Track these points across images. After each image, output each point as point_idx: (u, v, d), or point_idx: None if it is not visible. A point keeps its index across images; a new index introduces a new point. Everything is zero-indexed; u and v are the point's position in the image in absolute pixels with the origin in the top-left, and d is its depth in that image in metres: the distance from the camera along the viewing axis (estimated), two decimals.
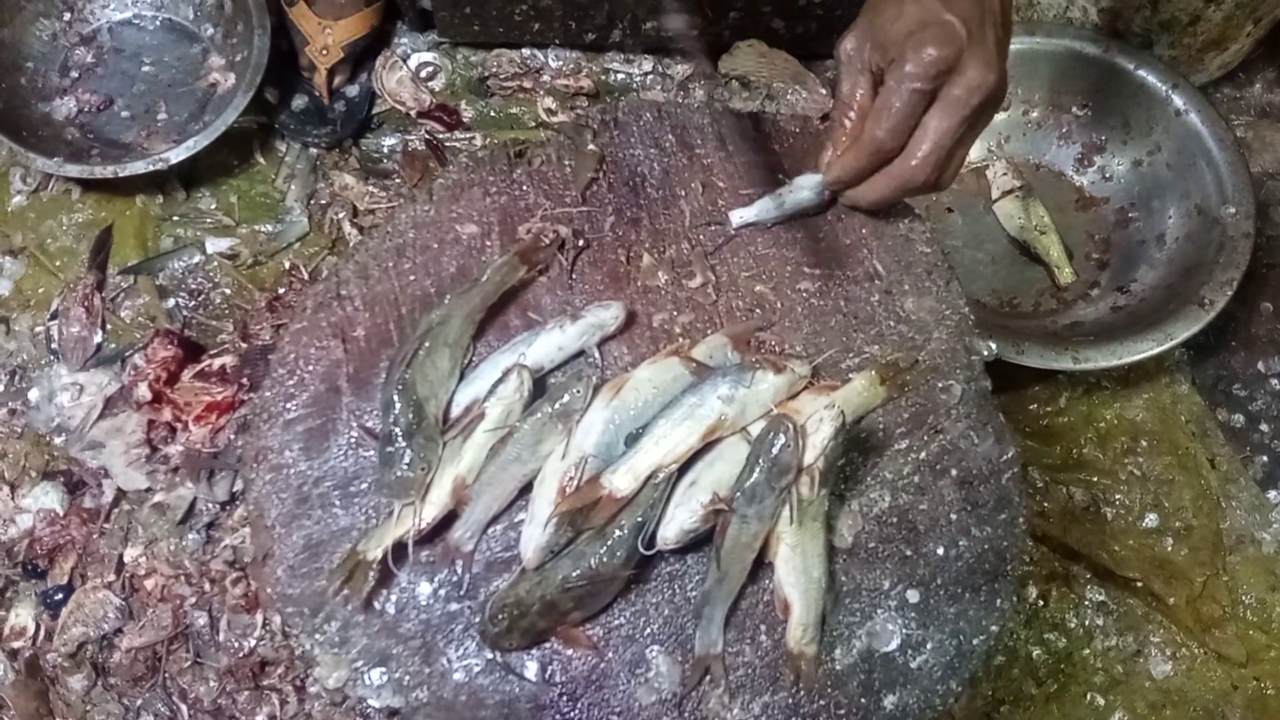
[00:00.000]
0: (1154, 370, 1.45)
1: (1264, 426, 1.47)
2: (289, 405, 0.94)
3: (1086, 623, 1.35)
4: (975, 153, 1.56)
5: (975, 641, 0.90)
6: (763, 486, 0.82)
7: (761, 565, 0.88)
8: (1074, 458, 1.42)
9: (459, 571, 0.88)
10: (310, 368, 0.95)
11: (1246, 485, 1.42)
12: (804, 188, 1.01)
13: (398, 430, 0.87)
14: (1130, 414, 1.44)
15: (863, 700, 0.87)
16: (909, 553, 0.91)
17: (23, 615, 1.24)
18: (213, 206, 1.47)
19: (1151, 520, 1.39)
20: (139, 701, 1.22)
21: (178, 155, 1.37)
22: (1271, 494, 1.43)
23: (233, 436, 1.30)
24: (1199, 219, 1.42)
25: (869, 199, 0.98)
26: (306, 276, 1.41)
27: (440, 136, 1.52)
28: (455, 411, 0.91)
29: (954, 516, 0.93)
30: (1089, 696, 1.33)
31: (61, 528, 1.27)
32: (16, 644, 1.23)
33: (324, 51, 1.47)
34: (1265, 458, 1.45)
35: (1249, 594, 1.37)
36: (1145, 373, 1.45)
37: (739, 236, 1.02)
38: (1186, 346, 1.42)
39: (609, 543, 0.84)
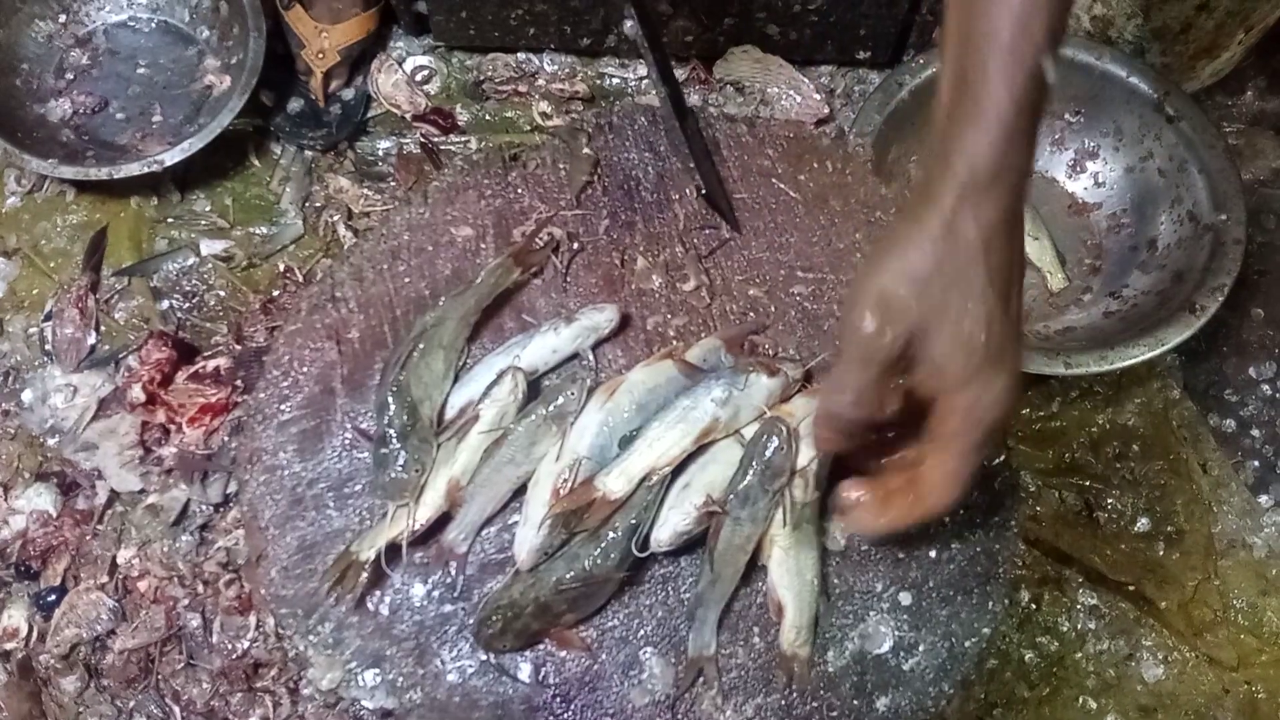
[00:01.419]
0: (1146, 375, 1.46)
1: (1255, 432, 1.48)
2: (283, 407, 0.94)
3: (1078, 626, 1.36)
4: None
5: (967, 644, 0.91)
6: (756, 489, 0.82)
7: (755, 567, 0.88)
8: (1066, 462, 1.42)
9: (453, 573, 0.88)
10: (305, 369, 0.95)
11: (1238, 490, 1.43)
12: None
13: (392, 432, 0.87)
14: (1122, 419, 1.45)
15: (855, 702, 0.88)
16: (901, 555, 0.92)
17: (15, 616, 1.24)
18: (207, 209, 1.47)
19: (1143, 524, 1.39)
20: (131, 703, 1.22)
21: (173, 157, 1.37)
22: (1263, 499, 1.43)
23: (226, 438, 1.30)
24: (1190, 225, 1.43)
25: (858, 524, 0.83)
26: (301, 279, 1.41)
27: (435, 140, 1.53)
28: (450, 413, 0.91)
29: (946, 520, 0.93)
30: (1081, 700, 1.33)
31: (54, 529, 1.27)
32: (9, 645, 1.23)
33: (320, 55, 1.47)
34: (1256, 463, 1.46)
35: (1240, 598, 1.38)
36: (1137, 378, 1.46)
37: (733, 240, 1.02)
38: (1178, 352, 1.43)
39: (603, 545, 0.84)
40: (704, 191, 1.02)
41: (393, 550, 0.86)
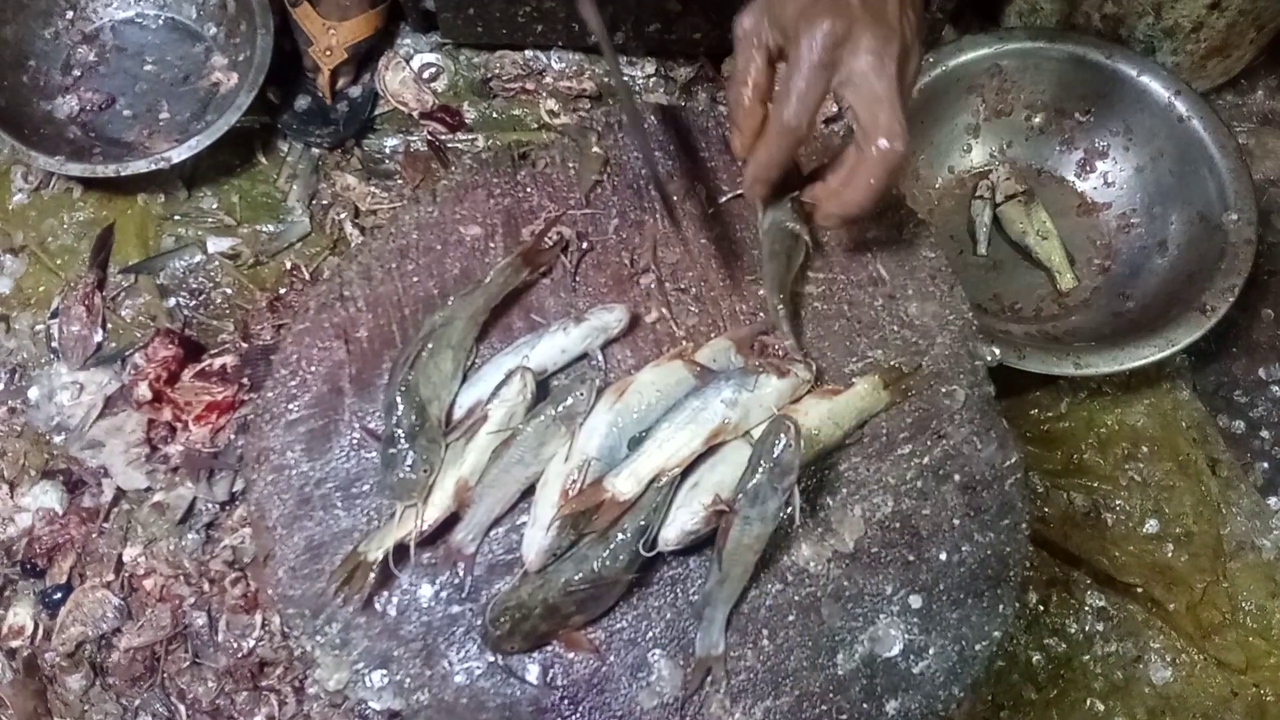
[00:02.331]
0: (1155, 376, 1.46)
1: (1265, 433, 1.47)
2: (291, 406, 0.94)
3: (1086, 628, 1.35)
4: (978, 157, 1.56)
5: (978, 647, 0.90)
6: (765, 488, 0.82)
7: (763, 568, 0.88)
8: (1075, 463, 1.42)
9: (461, 574, 0.88)
10: (313, 368, 0.95)
11: (1247, 492, 1.42)
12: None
13: (400, 432, 0.87)
14: (1131, 420, 1.44)
15: (865, 705, 0.87)
16: (912, 558, 0.91)
17: (21, 614, 1.24)
18: (214, 206, 1.47)
19: (1152, 526, 1.39)
20: (137, 701, 1.22)
21: (180, 154, 1.36)
22: (1272, 500, 1.43)
23: (233, 436, 1.30)
24: (1201, 225, 1.42)
25: (843, 207, 0.92)
26: (308, 277, 1.41)
27: (442, 138, 1.52)
28: (458, 413, 0.91)
29: (957, 522, 0.93)
30: (1089, 702, 1.32)
31: (60, 527, 1.27)
32: (15, 643, 1.23)
33: (328, 52, 1.46)
34: (1266, 464, 1.45)
35: (1249, 600, 1.37)
36: (1146, 378, 1.45)
37: (743, 239, 1.02)
38: (1188, 353, 1.42)
39: (611, 546, 0.84)
40: (659, 184, 1.02)
41: (401, 551, 0.86)
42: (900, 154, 0.86)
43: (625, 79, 1.06)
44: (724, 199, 1.03)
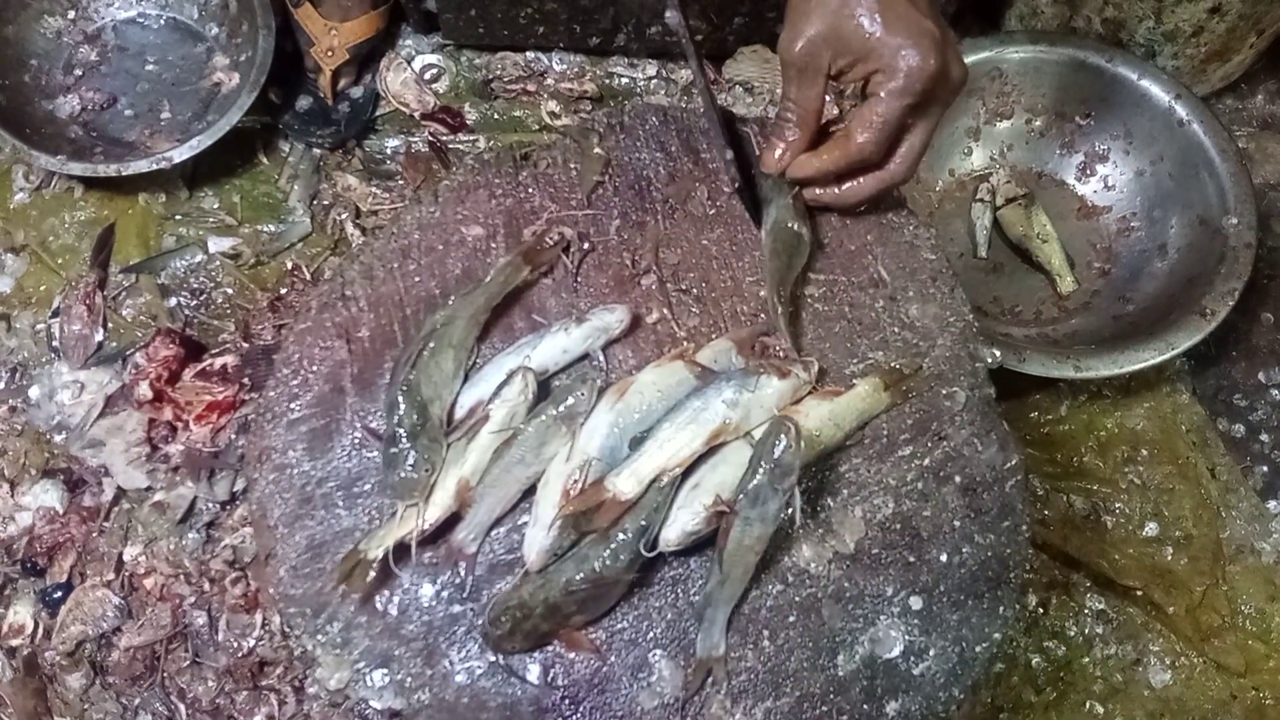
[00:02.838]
0: (1155, 379, 1.46)
1: (1264, 437, 1.47)
2: (293, 405, 0.94)
3: (1086, 631, 1.35)
4: (978, 160, 1.57)
5: (978, 649, 0.90)
6: (765, 488, 0.82)
7: (764, 568, 0.88)
8: (1074, 466, 1.42)
9: (462, 573, 0.88)
10: (314, 368, 0.95)
11: (1246, 495, 1.43)
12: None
13: (402, 431, 0.87)
14: (1131, 423, 1.44)
15: (865, 706, 0.87)
16: (912, 559, 0.91)
17: (21, 613, 1.24)
18: (215, 206, 1.47)
19: (1151, 529, 1.39)
20: (137, 701, 1.22)
21: (181, 154, 1.37)
22: (1271, 504, 1.43)
23: (233, 436, 1.30)
24: (1201, 229, 1.42)
25: (851, 200, 0.99)
26: (309, 277, 1.41)
27: (443, 138, 1.52)
28: (459, 413, 0.91)
29: (957, 523, 0.93)
30: (1088, 705, 1.33)
31: (61, 526, 1.27)
32: (15, 642, 1.23)
33: (329, 53, 1.47)
34: (1265, 468, 1.45)
35: (1248, 604, 1.37)
36: (1146, 382, 1.46)
37: (745, 240, 1.02)
38: (1187, 356, 1.42)
39: (612, 546, 0.84)
40: (738, 186, 1.02)
41: (402, 550, 0.86)
42: (904, 182, 0.96)
43: (705, 85, 1.07)
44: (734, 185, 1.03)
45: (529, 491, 0.88)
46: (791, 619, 0.89)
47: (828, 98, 0.95)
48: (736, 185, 1.02)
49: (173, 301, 1.40)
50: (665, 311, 0.98)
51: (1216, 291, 1.35)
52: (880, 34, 0.87)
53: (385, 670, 0.86)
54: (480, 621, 0.86)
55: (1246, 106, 1.67)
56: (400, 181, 1.50)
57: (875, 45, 0.87)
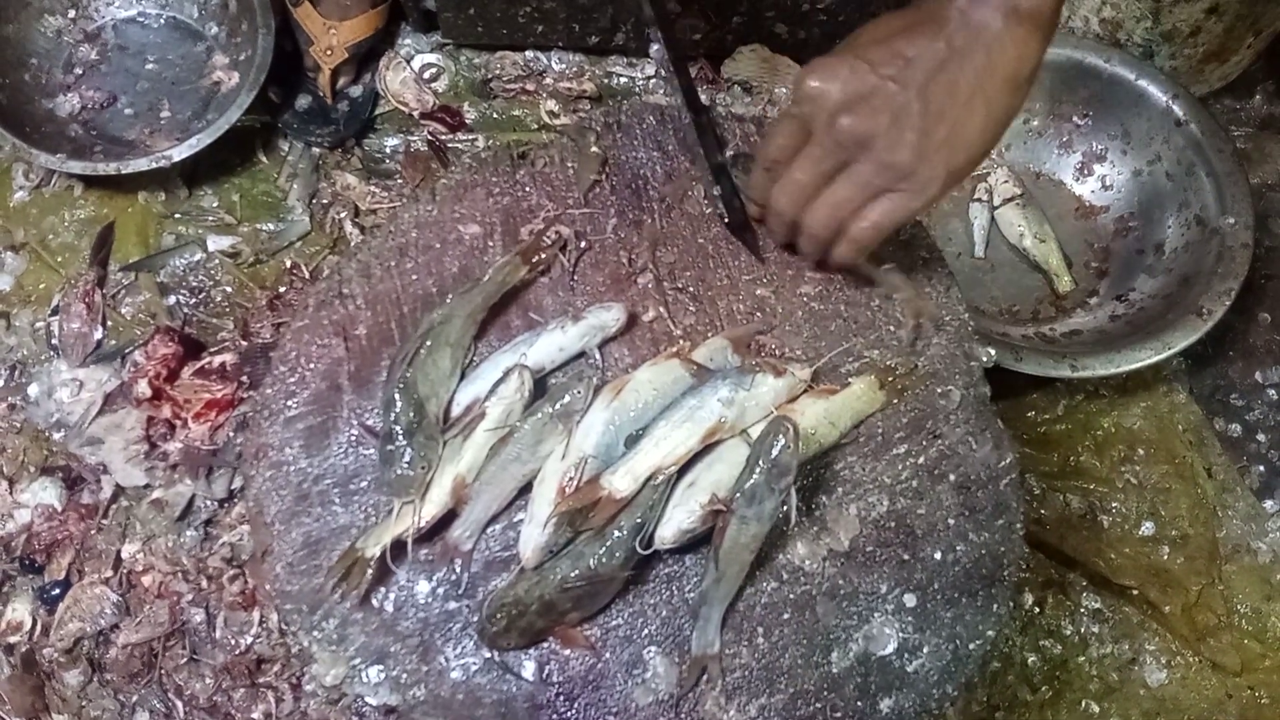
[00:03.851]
0: (1152, 379, 1.46)
1: (1261, 436, 1.47)
2: (290, 403, 0.94)
3: (1082, 630, 1.35)
4: None
5: (972, 646, 0.91)
6: (762, 488, 0.82)
7: (759, 567, 0.88)
8: (1071, 465, 1.42)
9: (458, 570, 0.89)
10: (312, 365, 0.95)
11: (1243, 495, 1.43)
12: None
13: (398, 429, 0.87)
14: (1128, 422, 1.44)
15: (859, 703, 0.88)
16: (906, 557, 0.92)
17: (19, 610, 1.24)
18: (214, 204, 1.47)
19: (1148, 528, 1.39)
20: (134, 698, 1.22)
21: (180, 153, 1.37)
22: (1268, 504, 1.43)
23: (232, 434, 1.30)
24: (1198, 229, 1.43)
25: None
26: (307, 275, 1.41)
27: (442, 138, 1.53)
28: (456, 411, 0.91)
29: (951, 521, 0.93)
30: (1084, 704, 1.33)
31: (59, 523, 1.27)
32: (13, 639, 1.23)
33: (328, 52, 1.47)
34: (1262, 467, 1.46)
35: (1244, 603, 1.37)
36: (1143, 381, 1.46)
37: (741, 240, 1.02)
38: (1184, 356, 1.42)
39: (608, 543, 0.84)
40: (727, 221, 1.01)
41: (398, 547, 0.86)
42: (830, 258, 0.93)
43: (693, 121, 1.06)
44: None
45: (525, 489, 0.89)
46: (786, 616, 0.89)
47: None
48: (725, 221, 1.01)
49: (172, 300, 1.40)
50: (661, 310, 0.98)
51: (1213, 291, 1.35)
52: (851, 79, 0.82)
53: (381, 667, 0.87)
54: (476, 618, 0.87)
55: (1244, 107, 1.67)
56: (399, 180, 1.50)
57: (832, 95, 0.82)
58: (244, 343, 1.35)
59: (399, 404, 0.88)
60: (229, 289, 1.42)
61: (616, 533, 0.84)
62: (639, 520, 0.84)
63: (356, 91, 1.53)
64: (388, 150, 1.53)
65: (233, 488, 1.29)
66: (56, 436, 1.32)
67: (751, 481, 0.82)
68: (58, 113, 1.46)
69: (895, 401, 0.96)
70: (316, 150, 1.51)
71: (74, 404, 1.33)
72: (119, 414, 1.32)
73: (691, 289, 1.00)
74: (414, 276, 0.99)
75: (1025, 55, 0.80)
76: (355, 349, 0.96)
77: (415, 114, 1.54)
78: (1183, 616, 1.35)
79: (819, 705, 0.87)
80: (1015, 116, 0.83)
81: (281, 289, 1.41)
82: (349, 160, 1.52)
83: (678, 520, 0.85)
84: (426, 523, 0.87)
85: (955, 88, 0.79)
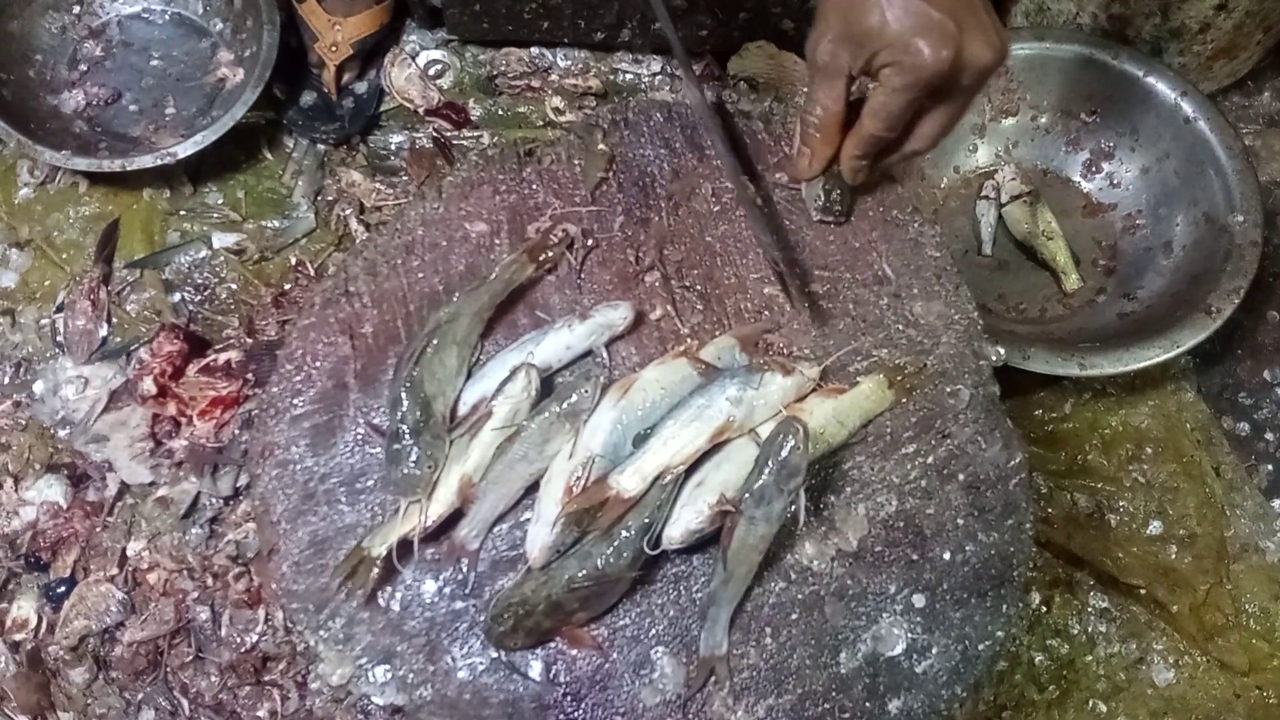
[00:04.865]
0: (1160, 377, 1.45)
1: (1269, 435, 1.47)
2: (296, 401, 0.94)
3: (1089, 629, 1.35)
4: (983, 157, 1.56)
5: (981, 647, 0.90)
6: (771, 488, 0.81)
7: (768, 567, 0.88)
8: (1078, 464, 1.41)
9: (464, 570, 0.88)
10: (318, 364, 0.95)
11: (1251, 494, 1.42)
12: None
13: (405, 428, 0.87)
14: (1135, 421, 1.44)
15: (868, 704, 0.87)
16: (915, 557, 0.91)
17: (25, 607, 1.24)
18: (219, 201, 1.47)
19: (1155, 528, 1.38)
20: (140, 695, 1.22)
21: (185, 150, 1.36)
22: (1276, 503, 1.43)
23: (237, 431, 1.30)
24: (1207, 227, 1.42)
25: (872, 174, 1.00)
26: (313, 272, 1.41)
27: (448, 134, 1.52)
28: (462, 410, 0.91)
29: (961, 521, 0.93)
30: (1091, 703, 1.32)
31: (64, 520, 1.27)
32: (18, 636, 1.23)
33: (333, 48, 1.46)
34: (1270, 466, 1.45)
35: (1252, 603, 1.37)
36: (1151, 380, 1.45)
37: (749, 237, 1.02)
38: (1192, 354, 1.42)
39: (615, 543, 0.84)
40: (780, 269, 1.00)
41: (404, 546, 0.86)
42: (921, 155, 0.97)
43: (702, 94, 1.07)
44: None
45: (532, 488, 0.88)
46: (794, 616, 0.89)
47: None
48: (778, 269, 1.00)
49: (177, 297, 1.40)
50: (669, 308, 0.98)
51: (1222, 289, 1.34)
52: (889, 28, 0.86)
53: (388, 666, 0.86)
54: (483, 618, 0.87)
55: (1253, 104, 1.66)
56: (405, 177, 1.50)
57: (886, 40, 0.86)
58: (249, 340, 1.35)
59: (405, 403, 0.87)
60: (234, 286, 1.42)
61: (624, 532, 0.84)
62: (647, 520, 0.84)
63: (361, 88, 1.53)
64: (393, 147, 1.53)
65: (238, 485, 1.29)
66: (62, 434, 1.32)
67: (760, 482, 0.82)
68: (63, 109, 1.45)
69: (904, 400, 0.95)
70: (321, 147, 1.51)
71: (79, 401, 1.33)
72: (124, 411, 1.32)
73: (699, 287, 0.99)
74: (420, 274, 0.99)
75: None
76: (362, 347, 0.96)
77: (420, 110, 1.53)
78: (1190, 616, 1.34)
79: (827, 706, 0.87)
80: None
81: (286, 286, 1.41)
82: (354, 157, 1.51)
83: (686, 520, 0.84)
84: (433, 522, 0.86)
85: None
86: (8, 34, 1.44)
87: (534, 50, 1.55)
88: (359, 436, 0.93)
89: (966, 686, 0.89)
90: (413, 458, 0.86)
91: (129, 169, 1.36)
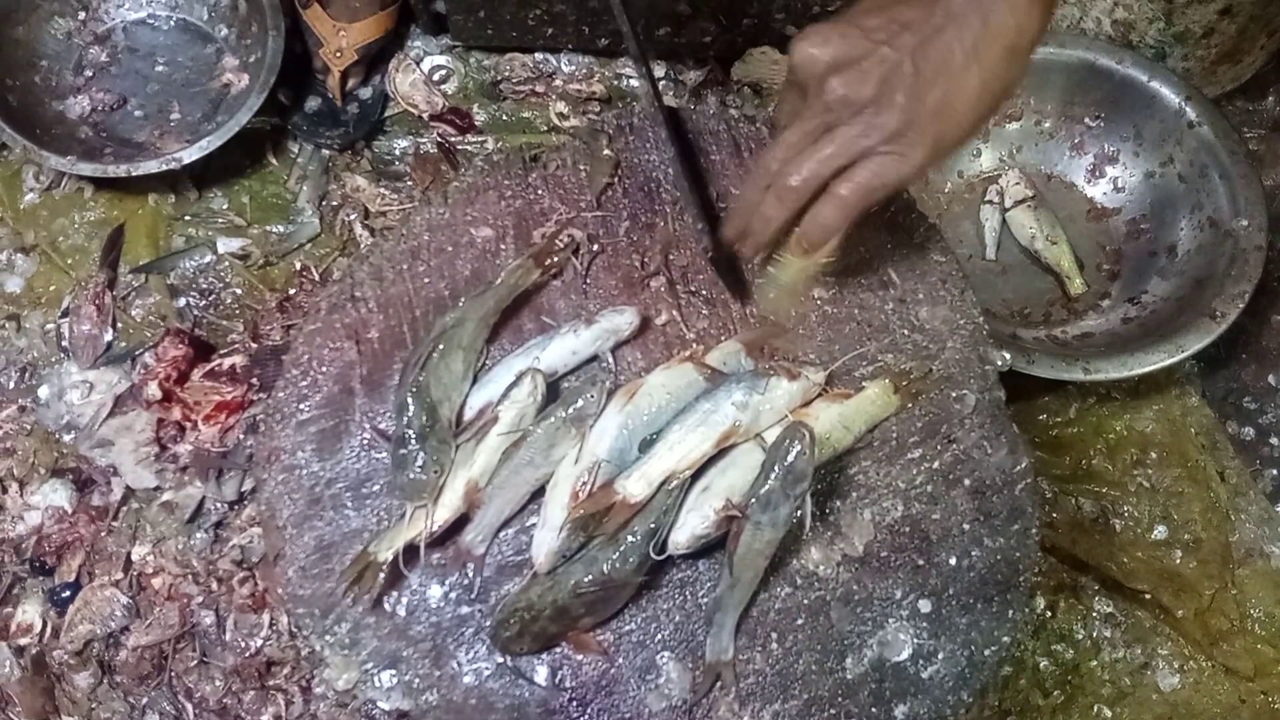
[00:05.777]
0: (1164, 382, 1.45)
1: (1274, 440, 1.47)
2: (302, 406, 0.94)
3: (1094, 634, 1.35)
4: (987, 162, 1.56)
5: (987, 652, 0.90)
6: (777, 494, 0.81)
7: (774, 573, 0.88)
8: (1083, 469, 1.41)
9: (470, 575, 0.88)
10: (324, 369, 0.95)
11: (1256, 498, 1.42)
12: None
13: (411, 432, 0.87)
14: (1140, 426, 1.44)
15: (874, 710, 0.87)
16: (921, 562, 0.91)
17: (30, 612, 1.24)
18: (224, 206, 1.47)
19: (1160, 532, 1.38)
20: (144, 700, 1.22)
21: (190, 155, 1.37)
22: None
23: (242, 436, 1.30)
24: (1211, 231, 1.42)
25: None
26: (317, 277, 1.41)
27: (452, 140, 1.52)
28: (468, 415, 0.91)
29: (966, 526, 0.93)
30: (1096, 708, 1.32)
31: (70, 525, 1.27)
32: (23, 641, 1.23)
33: (338, 54, 1.47)
34: (1275, 471, 1.45)
35: (1257, 607, 1.37)
36: (1155, 384, 1.45)
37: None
38: (1197, 359, 1.42)
39: (621, 548, 0.84)
40: (711, 257, 0.99)
41: (410, 551, 0.86)
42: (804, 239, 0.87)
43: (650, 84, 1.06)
44: None
45: (538, 493, 0.88)
46: (800, 622, 0.89)
47: None
48: (710, 255, 0.98)
49: (182, 302, 1.40)
50: (674, 313, 0.98)
51: (1226, 294, 1.34)
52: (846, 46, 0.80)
53: (393, 671, 0.86)
54: (488, 623, 0.87)
55: (1257, 108, 1.66)
56: (409, 182, 1.50)
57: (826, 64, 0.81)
58: (254, 345, 1.35)
59: (411, 408, 0.87)
60: (239, 291, 1.42)
61: (630, 538, 0.84)
62: (653, 525, 0.84)
63: (366, 93, 1.53)
64: (397, 152, 1.53)
65: (243, 490, 1.29)
66: (67, 438, 1.32)
67: (766, 487, 0.82)
68: (68, 115, 1.46)
69: (910, 405, 0.95)
70: (326, 152, 1.51)
71: (84, 406, 1.33)
72: (129, 416, 1.32)
73: (705, 292, 0.99)
74: (426, 280, 0.99)
75: (1025, 26, 0.77)
76: (367, 352, 0.96)
77: (425, 116, 1.54)
78: (1195, 621, 1.34)
79: (833, 712, 0.87)
80: (1013, 89, 0.81)
81: (291, 291, 1.41)
82: (359, 162, 1.52)
83: (692, 525, 0.84)
84: (439, 527, 0.86)
85: (950, 53, 0.77)
86: (13, 40, 1.45)
87: (538, 56, 1.56)
88: (365, 441, 0.93)
89: (972, 692, 0.89)
90: (418, 463, 0.86)
91: (134, 174, 1.36)
